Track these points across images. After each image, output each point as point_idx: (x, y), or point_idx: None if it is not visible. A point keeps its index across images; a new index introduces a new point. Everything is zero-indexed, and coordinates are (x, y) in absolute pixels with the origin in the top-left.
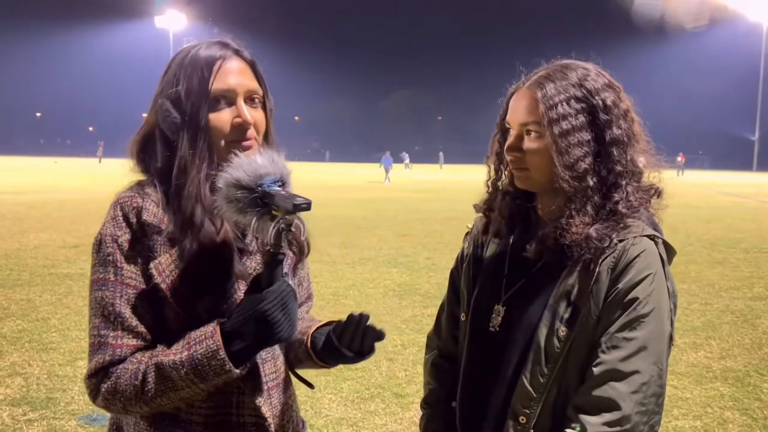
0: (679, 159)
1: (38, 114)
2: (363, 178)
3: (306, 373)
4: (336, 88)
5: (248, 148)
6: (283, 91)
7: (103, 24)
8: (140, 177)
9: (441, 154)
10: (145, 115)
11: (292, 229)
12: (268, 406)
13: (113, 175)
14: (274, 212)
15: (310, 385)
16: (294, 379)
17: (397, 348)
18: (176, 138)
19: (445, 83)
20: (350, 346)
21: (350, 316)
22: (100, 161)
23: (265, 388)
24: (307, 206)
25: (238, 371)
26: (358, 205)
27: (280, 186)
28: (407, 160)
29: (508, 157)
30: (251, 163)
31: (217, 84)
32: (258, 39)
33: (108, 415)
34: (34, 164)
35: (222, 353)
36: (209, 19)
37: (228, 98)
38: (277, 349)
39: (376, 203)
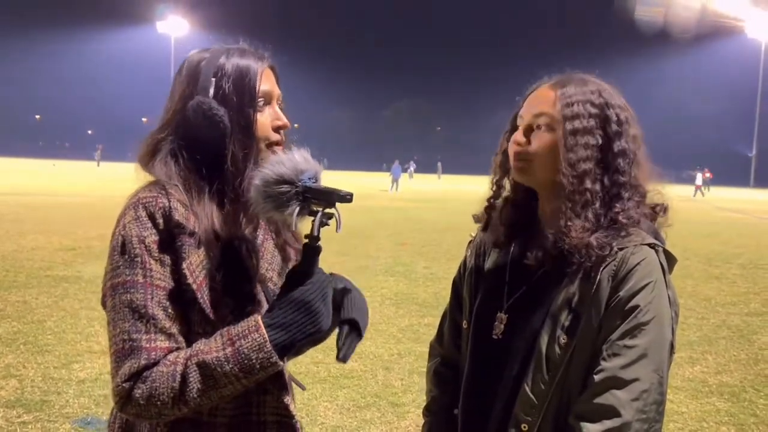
0: (707, 175)
1: (37, 116)
2: (361, 186)
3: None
4: (337, 97)
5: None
6: (284, 99)
7: (104, 28)
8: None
9: (439, 164)
10: (144, 119)
11: (328, 223)
12: (293, 404)
13: (111, 178)
14: (314, 206)
15: (301, 386)
16: None
17: (394, 357)
18: (221, 137)
19: (445, 94)
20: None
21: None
22: (98, 164)
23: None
24: (350, 198)
25: (282, 364)
26: (356, 214)
27: (314, 182)
28: (412, 170)
29: (512, 148)
30: (291, 159)
31: (261, 86)
32: (259, 46)
33: (104, 418)
34: (32, 166)
35: (269, 346)
36: (221, 29)
37: (266, 100)
38: None
39: (375, 212)
